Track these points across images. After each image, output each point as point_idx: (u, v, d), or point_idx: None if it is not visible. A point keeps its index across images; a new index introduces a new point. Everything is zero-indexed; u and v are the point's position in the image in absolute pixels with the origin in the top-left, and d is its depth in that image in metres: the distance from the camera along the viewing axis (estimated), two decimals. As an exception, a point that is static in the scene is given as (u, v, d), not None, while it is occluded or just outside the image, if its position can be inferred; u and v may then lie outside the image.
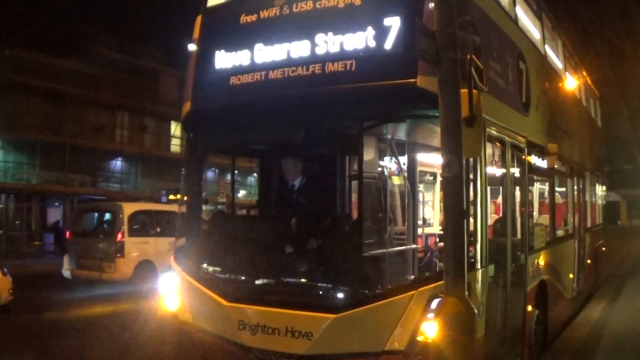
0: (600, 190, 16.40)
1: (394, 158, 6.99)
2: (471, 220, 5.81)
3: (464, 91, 5.19)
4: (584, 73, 15.01)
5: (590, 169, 14.07)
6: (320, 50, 5.99)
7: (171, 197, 27.15)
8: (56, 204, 38.43)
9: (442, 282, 5.29)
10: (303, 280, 6.20)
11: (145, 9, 64.23)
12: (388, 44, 5.66)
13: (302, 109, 6.09)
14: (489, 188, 6.80)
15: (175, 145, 44.52)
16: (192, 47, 7.22)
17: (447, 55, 5.26)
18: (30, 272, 22.04)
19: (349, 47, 5.84)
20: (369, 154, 6.88)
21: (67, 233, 20.63)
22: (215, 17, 7.18)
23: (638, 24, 22.08)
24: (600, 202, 16.47)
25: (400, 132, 6.73)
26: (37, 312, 13.91)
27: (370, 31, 5.75)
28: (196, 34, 7.20)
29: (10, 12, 39.67)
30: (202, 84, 6.98)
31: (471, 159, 5.68)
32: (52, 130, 35.95)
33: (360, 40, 5.80)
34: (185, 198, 7.44)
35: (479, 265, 5.94)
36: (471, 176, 5.79)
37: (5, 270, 14.00)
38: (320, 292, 6.06)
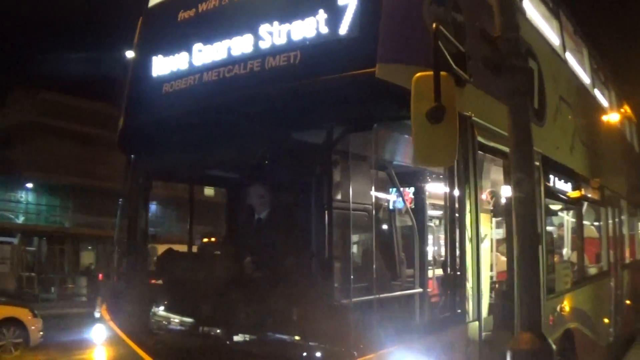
0: None
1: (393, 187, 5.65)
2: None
3: (423, 74, 3.78)
4: (617, 90, 13.33)
5: (628, 197, 12.34)
6: (260, 44, 4.71)
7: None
8: (89, 247, 37.95)
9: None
10: (252, 336, 4.85)
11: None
12: (340, 29, 4.33)
13: (242, 118, 4.82)
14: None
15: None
16: (130, 54, 6.08)
17: (512, 64, 4.70)
18: (63, 314, 22.26)
19: (291, 36, 4.55)
20: (357, 181, 5.09)
21: (100, 275, 20.16)
22: (154, 18, 6.00)
23: None
24: None
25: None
26: (67, 352, 13.97)
27: (317, 15, 4.43)
28: (136, 38, 6.06)
29: (42, 56, 39.88)
30: (136, 95, 5.80)
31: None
32: (84, 174, 35.16)
33: (304, 27, 4.49)
34: (122, 234, 6.14)
35: (470, 317, 4.65)
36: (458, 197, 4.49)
37: (35, 312, 14.39)
38: (276, 350, 4.62)
